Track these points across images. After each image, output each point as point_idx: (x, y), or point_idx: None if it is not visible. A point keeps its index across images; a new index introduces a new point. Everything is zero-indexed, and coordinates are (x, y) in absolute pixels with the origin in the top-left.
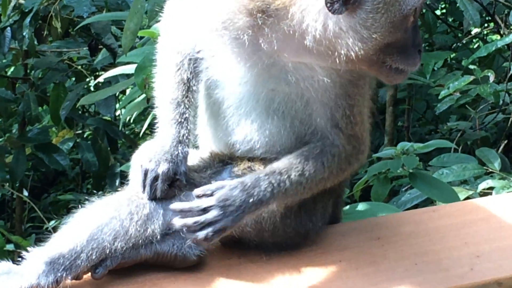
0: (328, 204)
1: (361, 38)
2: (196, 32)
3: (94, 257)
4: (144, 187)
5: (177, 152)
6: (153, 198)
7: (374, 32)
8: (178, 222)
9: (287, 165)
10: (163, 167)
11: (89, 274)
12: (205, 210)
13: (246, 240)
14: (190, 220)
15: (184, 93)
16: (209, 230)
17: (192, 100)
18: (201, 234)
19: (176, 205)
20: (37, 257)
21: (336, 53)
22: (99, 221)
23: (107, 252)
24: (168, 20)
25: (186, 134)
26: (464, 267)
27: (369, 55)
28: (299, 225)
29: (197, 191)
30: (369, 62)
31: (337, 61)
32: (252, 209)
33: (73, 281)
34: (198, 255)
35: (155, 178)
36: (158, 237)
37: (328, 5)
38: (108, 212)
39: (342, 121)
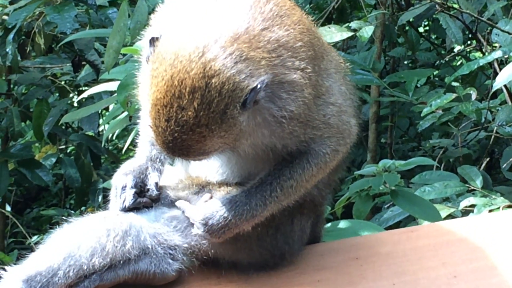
0: (306, 226)
1: None
2: None
3: (71, 274)
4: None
5: (146, 166)
6: (124, 209)
7: None
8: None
9: (275, 173)
10: (130, 176)
11: None
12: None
13: (221, 260)
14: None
15: None
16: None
17: None
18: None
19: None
20: (14, 275)
21: None
22: (76, 239)
23: (85, 268)
24: None
25: (158, 155)
26: (442, 287)
27: None
28: (275, 247)
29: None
30: None
31: None
32: (244, 223)
33: None
34: (177, 270)
35: (123, 188)
36: (135, 252)
37: None
38: (85, 230)
39: (312, 134)
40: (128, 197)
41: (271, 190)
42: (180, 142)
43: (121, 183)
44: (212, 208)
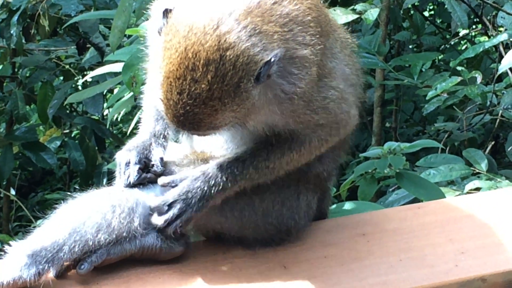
0: (313, 202)
1: None
2: None
3: (76, 249)
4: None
5: (150, 142)
6: (128, 185)
7: None
8: (155, 221)
9: (252, 151)
10: (134, 152)
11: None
12: (170, 206)
13: (227, 236)
14: (160, 220)
15: None
16: (176, 222)
17: None
18: (170, 229)
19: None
20: (19, 250)
21: None
22: (82, 215)
23: (90, 244)
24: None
25: (161, 131)
26: (449, 264)
27: None
28: (281, 223)
29: (163, 179)
30: None
31: None
32: (216, 196)
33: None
34: (183, 245)
35: (127, 164)
36: (142, 230)
37: None
38: (90, 205)
39: (310, 117)
40: (133, 173)
41: (244, 167)
42: (192, 115)
43: (125, 159)
44: (187, 181)
